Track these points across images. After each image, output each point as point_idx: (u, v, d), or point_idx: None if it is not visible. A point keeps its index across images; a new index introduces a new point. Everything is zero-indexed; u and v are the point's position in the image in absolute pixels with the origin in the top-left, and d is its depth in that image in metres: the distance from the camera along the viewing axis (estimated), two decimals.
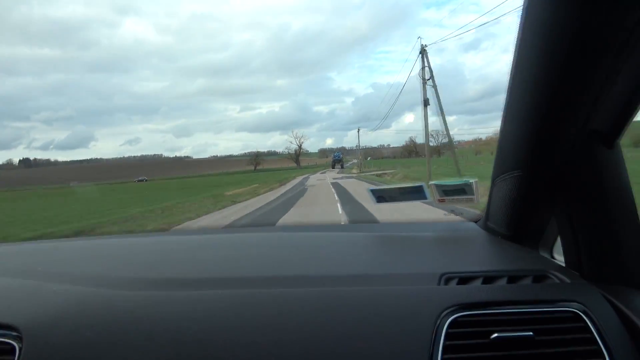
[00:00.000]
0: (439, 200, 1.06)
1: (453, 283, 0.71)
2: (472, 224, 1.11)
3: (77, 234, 7.37)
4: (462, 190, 1.02)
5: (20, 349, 0.62)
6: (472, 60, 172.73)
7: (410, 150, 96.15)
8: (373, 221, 4.56)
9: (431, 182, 1.04)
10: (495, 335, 0.60)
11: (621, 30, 0.50)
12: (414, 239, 1.05)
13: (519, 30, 0.61)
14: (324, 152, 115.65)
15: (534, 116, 0.65)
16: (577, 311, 0.62)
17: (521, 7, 0.59)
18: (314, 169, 69.81)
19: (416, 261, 0.86)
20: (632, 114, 0.59)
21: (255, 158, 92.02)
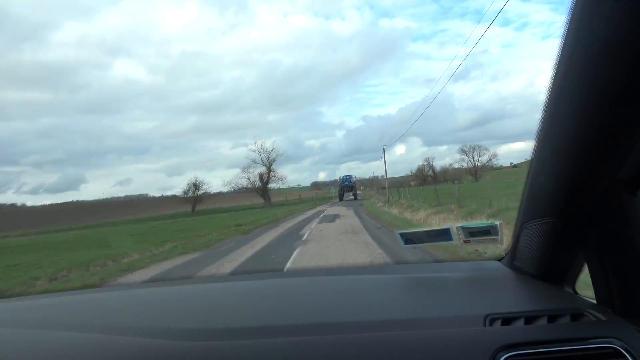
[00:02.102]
0: (464, 241, 1.14)
1: (497, 324, 0.79)
2: (497, 263, 1.20)
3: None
4: (487, 232, 1.10)
5: None
6: (461, 90, 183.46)
7: (425, 176, 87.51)
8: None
9: (457, 225, 1.14)
10: None
11: None
12: (447, 280, 1.12)
13: (552, 81, 0.67)
14: (317, 185, 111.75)
15: (568, 169, 0.73)
16: (618, 347, 0.69)
17: (555, 60, 0.65)
18: (293, 207, 42.04)
19: (455, 303, 0.93)
20: None
21: (194, 192, 52.45)
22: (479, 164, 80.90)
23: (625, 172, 0.69)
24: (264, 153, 56.76)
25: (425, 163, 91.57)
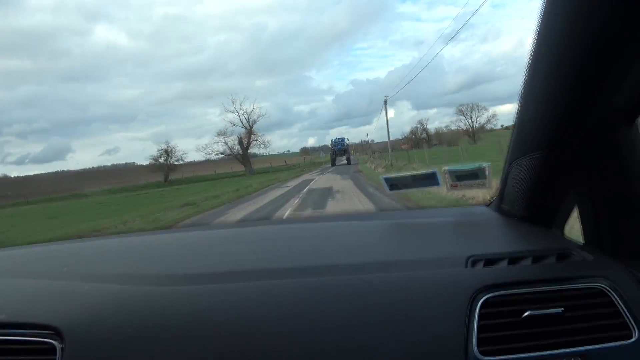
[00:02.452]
0: (451, 185, 1.11)
1: (480, 265, 0.78)
2: (485, 208, 1.20)
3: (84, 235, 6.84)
4: (474, 175, 1.07)
5: (62, 349, 0.67)
6: (450, 52, 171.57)
7: (418, 139, 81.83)
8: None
9: (444, 168, 1.10)
10: (528, 313, 0.66)
11: None
12: (433, 225, 1.14)
13: (543, 7, 0.64)
14: (305, 151, 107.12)
15: (559, 98, 0.70)
16: (604, 286, 0.69)
17: None
18: (275, 175, 36.15)
19: (440, 246, 0.93)
20: None
21: (167, 160, 46.01)
22: (477, 124, 75.55)
23: (621, 99, 0.65)
24: (243, 114, 49.78)
25: (419, 125, 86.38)
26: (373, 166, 31.52)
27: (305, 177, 26.91)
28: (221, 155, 49.96)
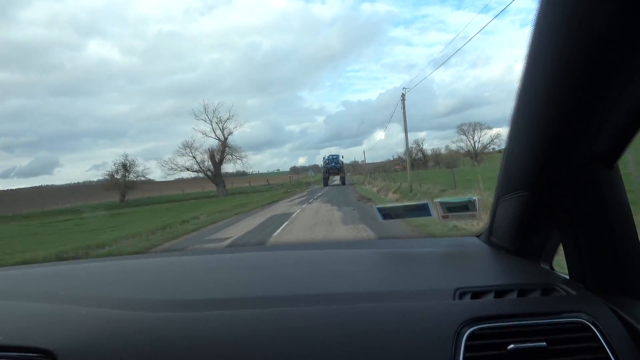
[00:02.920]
0: (442, 216, 1.15)
1: (467, 297, 0.80)
2: (475, 239, 1.23)
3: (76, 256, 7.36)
4: (465, 207, 1.11)
5: None
6: (441, 77, 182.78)
7: (412, 160, 71.88)
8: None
9: (436, 200, 1.14)
10: (512, 346, 0.67)
11: (630, 57, 0.56)
12: (422, 255, 1.16)
13: (528, 52, 0.68)
14: (295, 170, 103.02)
15: (543, 141, 0.74)
16: (586, 322, 0.70)
17: (530, 30, 0.66)
18: (256, 194, 33.31)
19: (428, 277, 0.95)
20: (631, 138, 0.68)
21: (124, 176, 37.85)
22: (479, 145, 69.55)
23: (600, 145, 0.69)
24: (217, 123, 41.05)
25: (414, 145, 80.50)
26: (376, 189, 24.76)
27: (286, 203, 19.36)
28: (188, 172, 42.05)
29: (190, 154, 40.56)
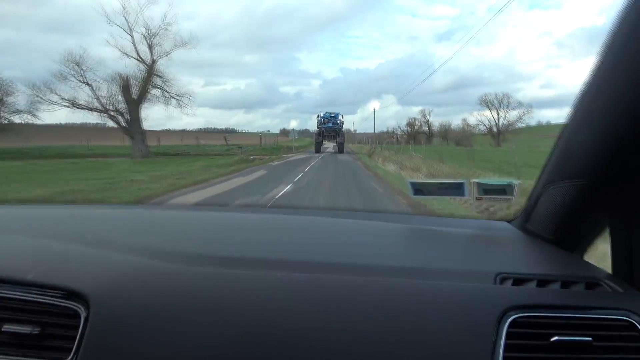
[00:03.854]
0: (477, 198, 1.14)
1: (508, 283, 0.78)
2: (506, 224, 1.18)
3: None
4: (502, 191, 1.10)
5: (86, 316, 0.68)
6: (442, 52, 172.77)
7: (415, 133, 67.75)
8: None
9: (473, 180, 1.13)
10: (556, 338, 0.65)
11: None
12: (455, 235, 1.14)
13: (615, 24, 0.62)
14: (285, 132, 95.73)
15: (616, 128, 0.68)
16: (632, 320, 0.69)
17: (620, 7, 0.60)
18: (193, 163, 17.53)
19: (467, 258, 0.93)
20: None
21: None
22: (505, 121, 56.19)
23: None
24: (144, 36, 24.49)
25: (420, 117, 67.18)
26: (383, 162, 17.16)
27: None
28: (89, 112, 24.29)
29: (80, 79, 23.12)
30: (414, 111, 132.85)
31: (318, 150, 32.00)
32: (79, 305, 0.68)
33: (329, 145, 35.01)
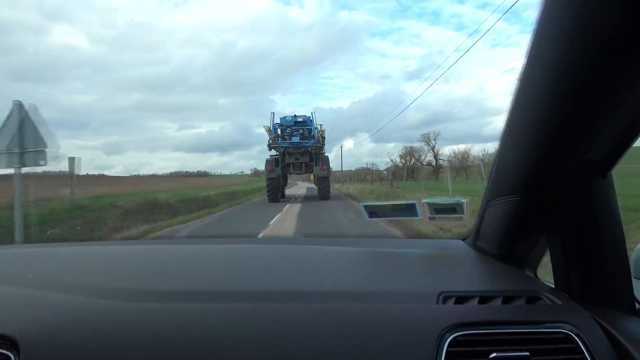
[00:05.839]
0: (429, 217, 1.16)
1: (450, 302, 0.80)
2: (460, 242, 1.24)
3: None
4: (452, 209, 1.13)
5: None
6: (413, 89, 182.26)
7: (413, 169, 58.35)
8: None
9: (424, 200, 1.16)
10: (494, 354, 0.67)
11: (633, 64, 0.56)
12: (407, 256, 1.18)
13: (527, 53, 0.68)
14: (256, 173, 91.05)
15: (538, 146, 0.74)
16: (570, 333, 0.71)
17: (532, 30, 0.65)
18: None
19: (412, 279, 0.96)
20: (627, 147, 0.70)
21: None
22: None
23: (595, 152, 0.71)
24: None
25: (424, 143, 56.64)
26: None
27: None
28: None
29: None
30: (388, 148, 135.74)
31: (275, 195, 17.58)
32: (8, 352, 0.66)
33: (298, 184, 23.05)
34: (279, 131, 18.47)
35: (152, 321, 0.70)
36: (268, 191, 17.66)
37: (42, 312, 0.73)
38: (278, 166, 18.09)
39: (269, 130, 18.78)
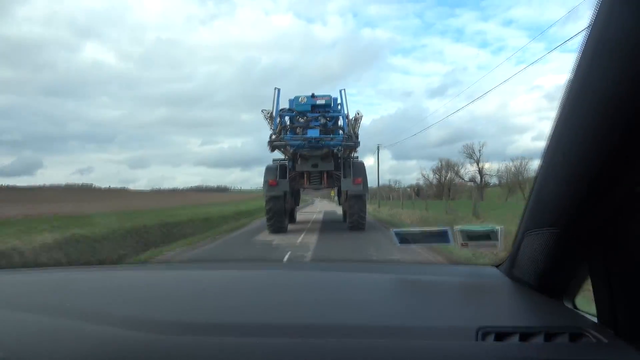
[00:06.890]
0: (462, 244, 1.14)
1: (490, 338, 0.77)
2: (494, 270, 1.21)
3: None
4: (486, 236, 1.11)
5: None
6: (436, 106, 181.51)
7: (445, 185, 53.06)
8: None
9: (457, 227, 1.15)
10: None
11: None
12: (440, 285, 1.15)
13: (571, 78, 0.65)
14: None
15: (582, 178, 0.71)
16: None
17: (578, 52, 0.63)
18: None
19: (447, 311, 0.94)
20: None
21: None
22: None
23: None
24: None
25: (466, 154, 52.69)
26: None
27: None
28: None
29: None
30: (409, 165, 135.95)
31: (280, 221, 12.05)
32: None
33: (314, 204, 18.11)
34: (287, 120, 12.15)
35: (178, 356, 0.70)
36: (268, 217, 11.78)
37: (78, 343, 0.73)
38: (285, 177, 12.03)
39: (270, 118, 12.19)
